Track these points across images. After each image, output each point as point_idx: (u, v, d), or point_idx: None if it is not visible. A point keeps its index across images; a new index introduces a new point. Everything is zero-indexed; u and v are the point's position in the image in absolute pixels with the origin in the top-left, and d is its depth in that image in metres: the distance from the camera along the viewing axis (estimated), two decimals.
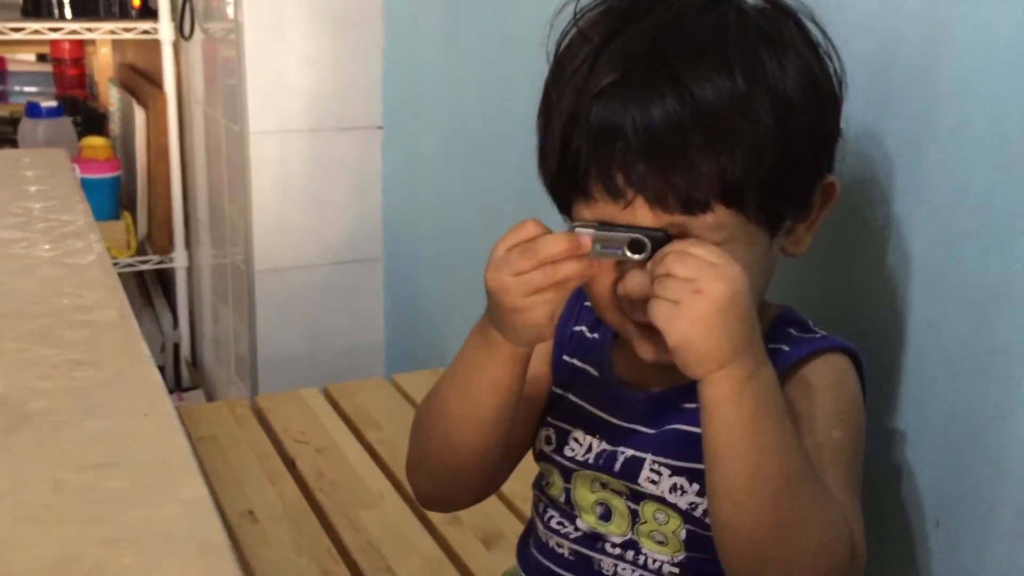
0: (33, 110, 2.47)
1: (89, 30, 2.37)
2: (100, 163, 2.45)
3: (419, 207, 1.93)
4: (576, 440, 0.82)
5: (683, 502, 0.76)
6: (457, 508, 0.93)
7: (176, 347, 2.63)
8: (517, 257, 0.69)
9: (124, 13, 2.39)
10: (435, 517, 1.29)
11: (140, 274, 2.77)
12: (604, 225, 0.70)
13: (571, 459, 0.82)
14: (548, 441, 0.84)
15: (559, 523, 0.84)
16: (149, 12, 2.38)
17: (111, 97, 2.79)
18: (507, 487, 0.89)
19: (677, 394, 0.78)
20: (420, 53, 1.86)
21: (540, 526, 0.86)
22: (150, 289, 2.83)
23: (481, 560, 1.23)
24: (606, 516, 0.81)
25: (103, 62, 3.08)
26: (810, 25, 0.75)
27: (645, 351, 0.75)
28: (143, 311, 2.72)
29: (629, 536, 0.80)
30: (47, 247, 1.03)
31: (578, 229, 0.69)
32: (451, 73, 1.76)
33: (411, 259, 1.99)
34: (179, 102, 2.39)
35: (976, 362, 0.77)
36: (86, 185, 1.44)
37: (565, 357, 0.85)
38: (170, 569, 0.53)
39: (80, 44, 2.96)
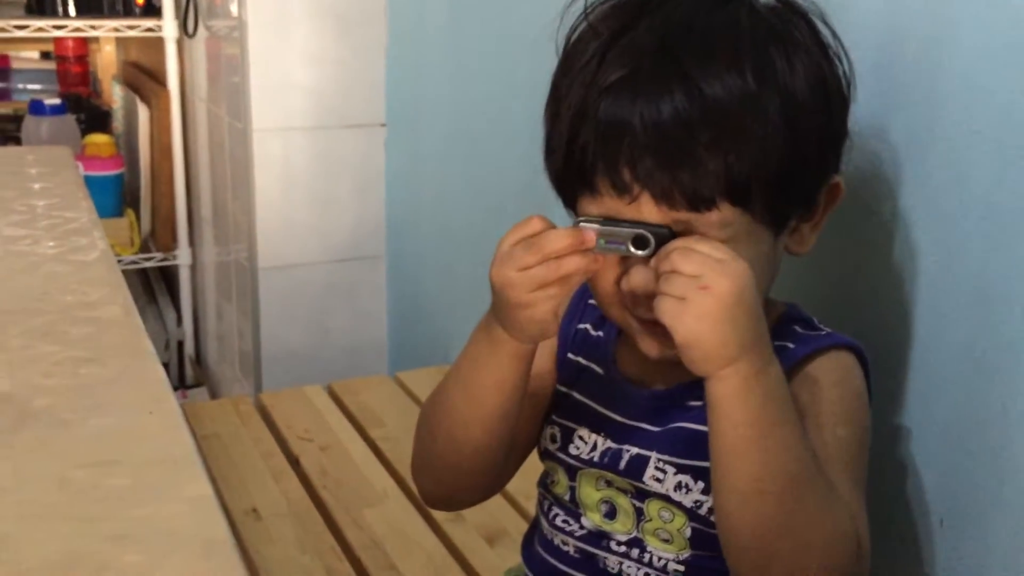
0: (37, 107, 2.48)
1: (93, 28, 2.37)
2: (104, 160, 2.45)
3: (422, 204, 1.93)
4: (581, 438, 0.82)
5: (688, 500, 0.76)
6: (462, 507, 0.93)
7: (180, 344, 2.63)
8: (522, 252, 0.69)
9: (128, 11, 2.39)
10: (439, 515, 1.29)
11: (144, 271, 2.77)
12: (608, 220, 0.70)
13: (576, 457, 0.82)
14: (553, 439, 0.84)
15: (564, 521, 0.84)
16: (153, 10, 2.38)
17: (115, 94, 2.79)
18: (511, 485, 0.89)
19: (682, 392, 0.77)
20: (423, 51, 1.86)
21: (545, 524, 0.86)
22: (154, 286, 2.83)
23: (485, 558, 1.23)
24: (611, 514, 0.81)
25: (107, 60, 3.09)
26: (821, 25, 0.75)
27: (649, 347, 0.74)
28: (147, 308, 2.72)
29: (634, 534, 0.80)
30: (51, 244, 1.03)
31: (582, 224, 0.69)
32: (454, 71, 1.76)
33: (414, 256, 1.99)
34: (183, 99, 2.39)
35: (982, 359, 0.77)
36: (90, 182, 1.43)
37: (570, 355, 0.85)
38: (174, 567, 0.53)
39: (84, 42, 2.96)
